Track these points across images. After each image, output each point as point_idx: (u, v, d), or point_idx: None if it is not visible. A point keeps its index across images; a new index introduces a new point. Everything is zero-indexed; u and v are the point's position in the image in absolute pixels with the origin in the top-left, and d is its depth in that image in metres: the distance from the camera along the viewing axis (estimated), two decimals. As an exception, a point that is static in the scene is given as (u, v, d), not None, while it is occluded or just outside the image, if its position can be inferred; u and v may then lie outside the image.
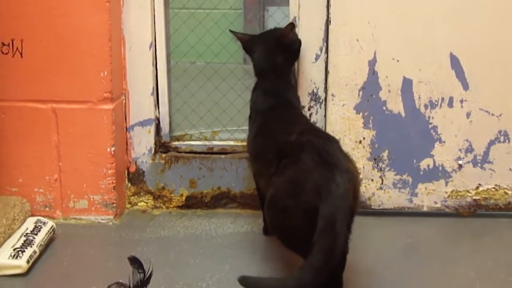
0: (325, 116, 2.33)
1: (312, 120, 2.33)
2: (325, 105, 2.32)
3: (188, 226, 2.29)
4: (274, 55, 2.13)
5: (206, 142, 2.47)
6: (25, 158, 2.26)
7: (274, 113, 2.03)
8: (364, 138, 2.30)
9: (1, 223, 2.03)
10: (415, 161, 2.31)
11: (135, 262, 1.50)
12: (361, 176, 2.28)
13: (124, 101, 2.36)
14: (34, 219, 2.16)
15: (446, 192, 2.32)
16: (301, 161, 1.68)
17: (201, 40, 2.51)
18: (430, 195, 2.33)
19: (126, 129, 2.40)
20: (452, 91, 2.25)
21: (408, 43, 2.22)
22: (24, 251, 1.95)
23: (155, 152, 2.42)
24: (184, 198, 2.43)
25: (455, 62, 2.22)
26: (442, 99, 2.26)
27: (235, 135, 2.48)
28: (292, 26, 2.15)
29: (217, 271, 1.94)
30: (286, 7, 2.35)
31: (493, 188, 2.31)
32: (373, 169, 2.32)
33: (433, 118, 2.27)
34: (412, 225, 2.29)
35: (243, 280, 1.57)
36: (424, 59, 2.23)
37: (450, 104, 2.26)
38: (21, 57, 2.19)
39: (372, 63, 2.24)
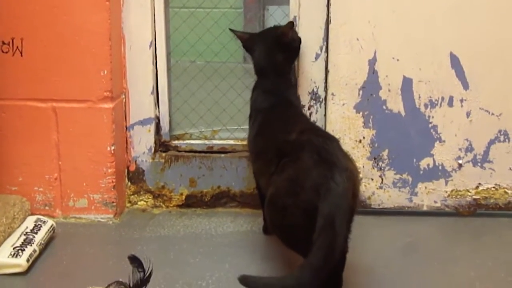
0: (325, 115, 2.33)
1: (312, 119, 2.33)
2: (325, 104, 2.32)
3: (188, 225, 2.29)
4: (274, 53, 2.13)
5: (206, 141, 2.47)
6: (25, 157, 2.26)
7: (274, 112, 2.03)
8: (364, 137, 2.30)
9: (1, 221, 2.03)
10: (415, 160, 2.31)
11: (135, 261, 1.50)
12: (361, 175, 2.28)
13: (124, 100, 2.36)
14: (34, 218, 2.16)
15: (446, 192, 2.32)
16: (301, 160, 1.68)
17: (201, 39, 2.51)
18: (430, 195, 2.33)
19: (126, 128, 2.40)
20: (452, 90, 2.25)
21: (408, 42, 2.22)
22: (24, 250, 1.95)
23: (155, 151, 2.42)
24: (184, 197, 2.43)
25: (455, 62, 2.22)
26: (442, 99, 2.26)
27: (235, 134, 2.48)
28: (291, 24, 2.15)
29: (217, 270, 1.94)
30: (286, 6, 2.35)
31: (493, 187, 2.31)
32: (373, 168, 2.32)
33: (433, 117, 2.27)
34: (412, 224, 2.29)
35: (243, 279, 1.57)
36: (424, 59, 2.23)
37: (450, 104, 2.26)
38: (21, 56, 2.19)
39: (372, 62, 2.24)
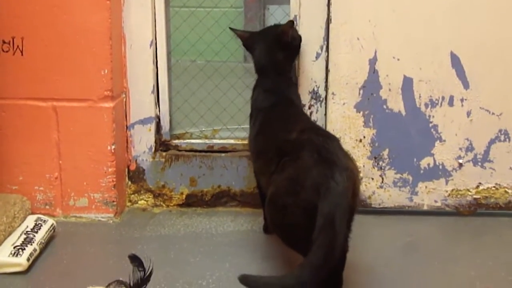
0: (325, 114, 2.33)
1: (312, 119, 2.32)
2: (326, 103, 2.32)
3: (188, 225, 2.29)
4: (275, 52, 2.13)
5: (207, 141, 2.47)
6: (25, 156, 2.26)
7: (275, 111, 2.03)
8: (364, 137, 2.30)
9: (1, 221, 2.03)
10: (415, 159, 2.31)
11: (135, 260, 1.50)
12: (361, 174, 2.28)
13: (124, 99, 2.36)
14: (35, 217, 2.16)
15: (447, 191, 2.32)
16: (301, 159, 1.68)
17: (202, 38, 2.51)
18: (430, 194, 2.33)
19: (127, 127, 2.40)
20: (453, 90, 2.25)
21: (408, 42, 2.22)
22: (24, 249, 1.95)
23: (156, 150, 2.42)
24: (184, 196, 2.43)
25: (455, 61, 2.22)
26: (443, 98, 2.26)
27: (235, 133, 2.48)
28: (291, 23, 2.14)
29: (217, 269, 1.94)
30: (286, 5, 2.35)
31: (494, 187, 2.31)
32: (373, 167, 2.32)
33: (433, 117, 2.27)
34: (412, 224, 2.29)
35: (243, 278, 1.57)
36: (425, 58, 2.23)
37: (451, 103, 2.26)
38: (22, 55, 2.19)
39: (373, 61, 2.24)
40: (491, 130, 2.27)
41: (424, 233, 2.24)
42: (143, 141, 2.41)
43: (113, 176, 2.28)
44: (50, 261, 2.01)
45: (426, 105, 2.26)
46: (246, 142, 2.33)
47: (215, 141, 2.46)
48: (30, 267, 1.94)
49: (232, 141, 2.45)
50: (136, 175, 2.43)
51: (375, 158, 2.31)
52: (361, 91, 2.27)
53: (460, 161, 2.30)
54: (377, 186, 2.34)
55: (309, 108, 2.35)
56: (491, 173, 2.30)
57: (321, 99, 2.34)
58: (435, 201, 2.33)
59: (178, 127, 2.50)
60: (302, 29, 2.28)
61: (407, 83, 2.25)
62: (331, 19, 2.23)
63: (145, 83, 2.37)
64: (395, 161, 2.31)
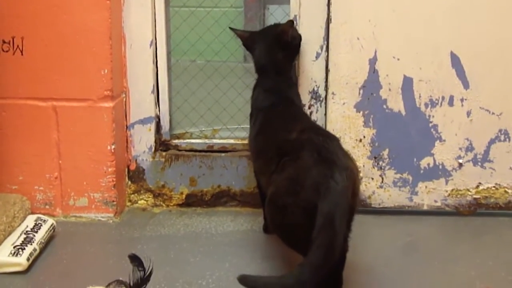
0: (325, 114, 2.33)
1: (312, 119, 2.32)
2: (326, 103, 2.32)
3: (188, 224, 2.29)
4: (274, 51, 2.13)
5: (206, 140, 2.47)
6: (25, 156, 2.26)
7: (275, 111, 2.03)
8: (364, 137, 2.30)
9: (1, 220, 2.03)
10: (415, 159, 2.31)
11: (135, 260, 1.50)
12: (361, 174, 2.28)
13: (124, 99, 2.36)
14: (34, 216, 2.16)
15: (446, 191, 2.32)
16: (301, 159, 1.69)
17: (202, 38, 2.51)
18: (430, 194, 2.33)
19: (127, 127, 2.40)
20: (453, 89, 2.25)
21: (408, 41, 2.22)
22: (24, 248, 1.95)
23: (155, 150, 2.42)
24: (184, 196, 2.43)
25: (455, 61, 2.22)
26: (443, 98, 2.26)
27: (235, 133, 2.48)
28: (291, 23, 2.14)
29: (217, 269, 1.94)
30: (287, 5, 2.35)
31: (494, 187, 2.31)
32: (373, 167, 2.32)
33: (433, 116, 2.27)
34: (412, 223, 2.29)
35: (242, 279, 1.56)
36: (425, 58, 2.23)
37: (451, 103, 2.26)
38: (22, 54, 2.19)
39: (373, 61, 2.24)
40: (491, 130, 2.27)
41: (424, 233, 2.24)
42: (143, 141, 2.41)
43: (113, 176, 2.28)
44: (50, 261, 2.00)
45: (426, 105, 2.26)
46: (246, 142, 2.33)
47: (215, 141, 2.46)
48: (30, 267, 1.94)
49: (232, 141, 2.45)
50: (136, 175, 2.43)
51: (375, 158, 2.31)
52: (361, 91, 2.27)
53: (460, 161, 2.30)
54: (377, 186, 2.34)
55: (309, 108, 2.35)
56: (491, 173, 2.30)
57: (321, 99, 2.34)
58: (435, 201, 2.33)
59: (178, 127, 2.50)
60: (302, 29, 2.28)
61: (407, 83, 2.25)
62: (331, 19, 2.23)
63: (145, 83, 2.37)
64: (395, 161, 2.31)
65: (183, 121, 2.50)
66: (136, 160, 2.42)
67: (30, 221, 2.12)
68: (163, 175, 2.42)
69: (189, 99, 2.50)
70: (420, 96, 2.26)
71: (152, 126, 2.41)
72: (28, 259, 1.93)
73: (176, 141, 2.46)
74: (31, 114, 2.23)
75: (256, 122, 2.07)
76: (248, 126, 2.17)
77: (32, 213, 2.23)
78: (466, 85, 2.24)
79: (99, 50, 2.18)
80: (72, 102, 2.23)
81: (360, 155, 2.31)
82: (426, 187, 2.32)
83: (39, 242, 2.02)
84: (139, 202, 2.44)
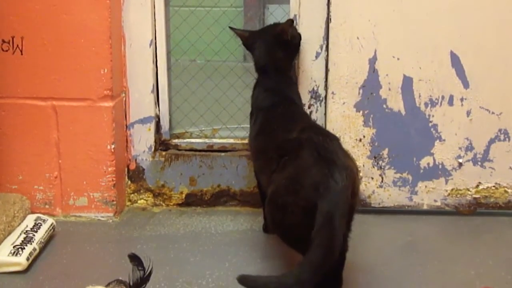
0: (325, 114, 2.33)
1: (312, 118, 2.32)
2: (325, 103, 2.32)
3: (188, 224, 2.29)
4: (274, 50, 2.13)
5: (206, 140, 2.47)
6: (25, 156, 2.26)
7: (275, 111, 2.03)
8: (364, 136, 2.30)
9: (1, 220, 2.03)
10: (415, 159, 2.31)
11: (135, 259, 1.50)
12: (361, 174, 2.28)
13: (124, 99, 2.36)
14: (34, 216, 2.16)
15: (446, 191, 2.32)
16: (301, 158, 1.69)
17: (201, 38, 2.50)
18: (430, 193, 2.33)
19: (126, 127, 2.40)
20: (453, 89, 2.25)
21: (408, 41, 2.22)
22: (24, 248, 1.95)
23: (155, 149, 2.42)
24: (184, 195, 2.43)
25: (455, 60, 2.22)
26: (442, 97, 2.26)
27: (235, 133, 2.48)
28: (291, 22, 2.15)
29: (217, 268, 1.94)
30: (286, 5, 2.35)
31: (493, 186, 2.31)
32: (373, 167, 2.32)
33: (433, 116, 2.27)
34: (412, 223, 2.29)
35: (242, 279, 1.56)
36: (425, 57, 2.23)
37: (450, 102, 2.26)
38: (21, 54, 2.19)
39: (373, 61, 2.24)
40: (490, 130, 2.27)
41: (424, 233, 2.24)
42: (142, 141, 2.41)
43: (112, 176, 2.28)
44: (50, 261, 2.00)
45: (426, 105, 2.26)
46: (246, 141, 2.33)
47: (214, 140, 2.46)
48: (29, 267, 1.94)
49: (231, 141, 2.45)
50: (136, 175, 2.43)
51: (374, 157, 2.31)
52: (361, 91, 2.27)
53: (460, 160, 2.29)
54: (376, 185, 2.34)
55: (309, 107, 2.35)
56: (491, 173, 2.30)
57: (321, 98, 2.34)
58: (435, 201, 2.33)
59: (177, 127, 2.50)
60: (302, 29, 2.28)
61: (407, 82, 2.25)
62: (330, 19, 2.23)
63: (144, 83, 2.37)
64: (395, 161, 2.31)
65: (183, 120, 2.50)
66: (136, 160, 2.42)
67: (29, 220, 2.12)
68: (163, 174, 2.42)
69: (189, 99, 2.50)
70: (420, 96, 2.26)
71: (152, 125, 2.40)
72: (27, 259, 1.93)
73: (176, 141, 2.46)
74: (31, 113, 2.23)
75: (256, 122, 2.07)
76: (248, 125, 2.17)
77: (32, 212, 2.23)
78: (466, 84, 2.24)
79: (99, 49, 2.18)
80: (71, 102, 2.23)
81: (360, 155, 2.31)
82: (426, 186, 2.32)
83: (39, 242, 2.02)
84: (139, 201, 2.44)
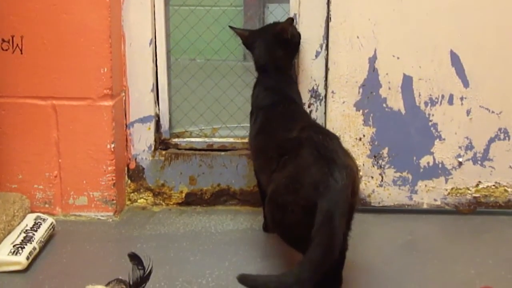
0: (325, 113, 2.33)
1: (312, 117, 2.32)
2: (325, 102, 2.32)
3: (188, 223, 2.29)
4: (274, 49, 2.13)
5: (206, 139, 2.47)
6: (24, 155, 2.26)
7: (275, 110, 2.03)
8: (364, 135, 2.30)
9: (0, 219, 2.03)
10: (415, 158, 2.31)
11: (134, 258, 1.50)
12: (361, 173, 2.28)
13: (124, 98, 2.36)
14: (34, 215, 2.16)
15: (446, 190, 2.32)
16: (300, 157, 1.68)
17: (201, 37, 2.50)
18: (430, 193, 2.33)
19: (126, 126, 2.40)
20: (452, 88, 2.25)
21: (408, 40, 2.22)
22: (23, 247, 1.95)
23: (155, 149, 2.42)
24: (183, 195, 2.43)
25: (455, 60, 2.22)
26: (442, 97, 2.26)
27: (235, 132, 2.48)
28: (291, 20, 2.15)
29: (217, 268, 1.94)
30: (286, 4, 2.35)
31: (493, 185, 2.31)
32: (373, 166, 2.32)
33: (433, 115, 2.27)
34: (412, 222, 2.29)
35: (242, 278, 1.56)
36: (425, 56, 2.23)
37: (450, 102, 2.26)
38: (21, 53, 2.19)
39: (372, 60, 2.24)
40: (490, 129, 2.27)
41: (424, 232, 2.24)
42: (142, 140, 2.41)
43: (112, 175, 2.27)
44: (50, 260, 2.00)
45: (426, 104, 2.26)
46: (245, 140, 2.33)
47: (214, 139, 2.46)
48: (29, 266, 1.94)
49: (231, 140, 2.45)
50: (136, 174, 2.43)
51: (374, 156, 2.31)
52: (361, 90, 2.27)
53: (460, 159, 2.29)
54: (376, 184, 2.34)
55: (309, 106, 2.35)
56: (491, 172, 2.30)
57: (321, 97, 2.34)
58: (435, 200, 2.33)
59: (177, 126, 2.50)
60: (302, 28, 2.28)
61: (407, 81, 2.25)
62: (330, 18, 2.23)
63: (144, 82, 2.37)
64: (395, 160, 2.31)
65: (183, 119, 2.50)
66: (135, 159, 2.42)
67: (29, 220, 2.12)
68: (162, 173, 2.42)
69: (189, 98, 2.49)
70: (419, 95, 2.26)
71: (152, 124, 2.40)
72: (27, 258, 1.93)
73: (175, 140, 2.46)
74: (31, 112, 2.23)
75: (256, 121, 2.07)
76: (248, 124, 2.17)
77: (32, 212, 2.23)
78: (465, 83, 2.24)
79: (99, 48, 2.18)
80: (71, 101, 2.23)
81: (360, 154, 2.31)
82: (425, 185, 2.32)
83: (39, 241, 2.02)
84: (139, 201, 2.44)
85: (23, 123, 2.24)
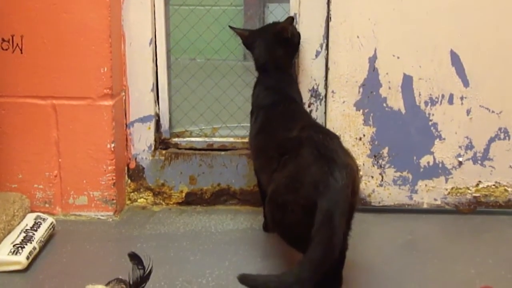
0: (325, 112, 2.33)
1: (312, 117, 2.32)
2: (325, 101, 2.32)
3: (188, 223, 2.29)
4: (274, 49, 2.13)
5: (206, 139, 2.47)
6: (24, 154, 2.26)
7: (276, 109, 2.03)
8: (364, 135, 2.30)
9: (0, 219, 2.03)
10: (415, 158, 2.30)
11: (134, 258, 1.50)
12: (361, 173, 2.28)
13: (124, 98, 2.36)
14: (34, 215, 2.15)
15: (446, 189, 2.32)
16: (301, 156, 1.68)
17: (201, 36, 2.50)
18: (430, 192, 2.33)
19: (126, 126, 2.39)
20: (453, 88, 2.25)
21: (408, 40, 2.22)
22: (23, 247, 1.95)
23: (155, 148, 2.42)
24: (184, 194, 2.43)
25: (455, 59, 2.22)
26: (442, 96, 2.26)
27: (235, 131, 2.48)
28: (291, 20, 2.15)
29: (217, 267, 1.94)
30: (286, 4, 2.35)
31: (493, 185, 2.31)
32: (373, 166, 2.32)
33: (433, 115, 2.27)
34: (412, 222, 2.29)
35: (242, 278, 1.56)
36: (425, 56, 2.23)
37: (450, 101, 2.26)
38: (21, 53, 2.19)
39: (373, 60, 2.24)
40: (490, 128, 2.27)
41: (424, 231, 2.24)
42: (142, 139, 2.41)
43: (112, 174, 2.27)
44: (50, 260, 2.00)
45: (426, 103, 2.26)
46: (245, 140, 2.33)
47: (214, 139, 2.46)
48: (29, 266, 1.94)
49: (231, 139, 2.45)
50: (136, 173, 2.43)
51: (375, 156, 2.31)
52: (361, 89, 2.27)
53: (460, 159, 2.29)
54: (377, 184, 2.34)
55: (309, 106, 2.35)
56: (491, 171, 2.30)
57: (321, 97, 2.34)
58: (435, 199, 2.33)
59: (177, 125, 2.50)
60: (302, 27, 2.28)
61: (407, 81, 2.25)
62: (330, 17, 2.23)
63: (144, 81, 2.37)
64: (395, 159, 2.31)
65: (183, 119, 2.50)
66: (135, 159, 2.42)
67: (29, 219, 2.12)
68: (162, 173, 2.42)
69: (189, 98, 2.49)
70: (420, 94, 2.26)
71: (152, 124, 2.40)
72: (27, 258, 1.93)
73: (175, 140, 2.46)
74: (31, 112, 2.23)
75: (256, 120, 2.07)
76: (248, 124, 2.17)
77: (32, 211, 2.23)
78: (466, 83, 2.24)
79: (99, 48, 2.18)
80: (71, 101, 2.23)
81: (360, 154, 2.31)
82: (426, 185, 2.32)
83: (39, 241, 2.02)
84: (139, 200, 2.44)
85: (23, 123, 2.24)
